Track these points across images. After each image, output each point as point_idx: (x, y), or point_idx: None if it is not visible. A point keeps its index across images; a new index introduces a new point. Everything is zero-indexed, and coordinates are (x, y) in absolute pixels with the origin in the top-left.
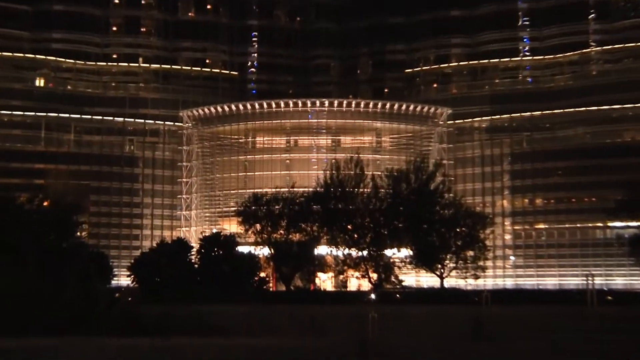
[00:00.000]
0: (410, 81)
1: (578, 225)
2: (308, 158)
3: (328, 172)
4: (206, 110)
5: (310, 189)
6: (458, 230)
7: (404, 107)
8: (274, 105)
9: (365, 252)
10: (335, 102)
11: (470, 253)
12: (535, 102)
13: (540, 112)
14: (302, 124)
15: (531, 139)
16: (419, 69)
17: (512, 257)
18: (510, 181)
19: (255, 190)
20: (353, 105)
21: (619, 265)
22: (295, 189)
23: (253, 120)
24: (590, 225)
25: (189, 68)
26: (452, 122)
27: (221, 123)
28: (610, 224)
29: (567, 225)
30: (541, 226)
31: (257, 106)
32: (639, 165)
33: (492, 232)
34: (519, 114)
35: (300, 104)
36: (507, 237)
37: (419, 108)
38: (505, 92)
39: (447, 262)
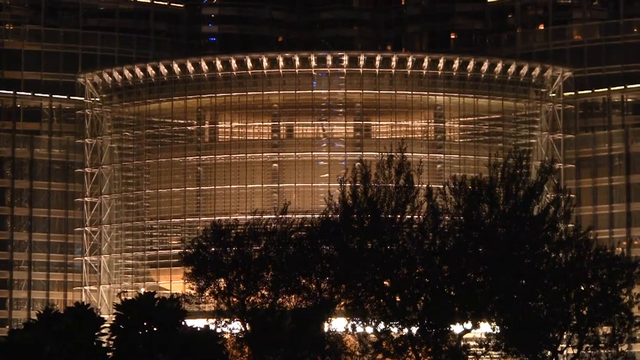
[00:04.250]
0: (495, 20)
1: None
2: (312, 159)
3: (348, 184)
4: (127, 72)
5: (317, 216)
6: (583, 288)
7: (485, 66)
8: (249, 64)
9: (415, 329)
10: (362, 57)
11: (606, 329)
12: None
13: None
14: (302, 99)
15: None
16: None
17: None
18: None
19: (217, 218)
20: (394, 62)
21: None
22: (289, 216)
23: (211, 91)
24: None
25: None
26: (572, 93)
27: (154, 96)
28: None
29: None
30: None
31: (218, 65)
32: None
33: None
34: None
35: (297, 61)
36: None
37: (512, 68)
38: None
39: (564, 345)
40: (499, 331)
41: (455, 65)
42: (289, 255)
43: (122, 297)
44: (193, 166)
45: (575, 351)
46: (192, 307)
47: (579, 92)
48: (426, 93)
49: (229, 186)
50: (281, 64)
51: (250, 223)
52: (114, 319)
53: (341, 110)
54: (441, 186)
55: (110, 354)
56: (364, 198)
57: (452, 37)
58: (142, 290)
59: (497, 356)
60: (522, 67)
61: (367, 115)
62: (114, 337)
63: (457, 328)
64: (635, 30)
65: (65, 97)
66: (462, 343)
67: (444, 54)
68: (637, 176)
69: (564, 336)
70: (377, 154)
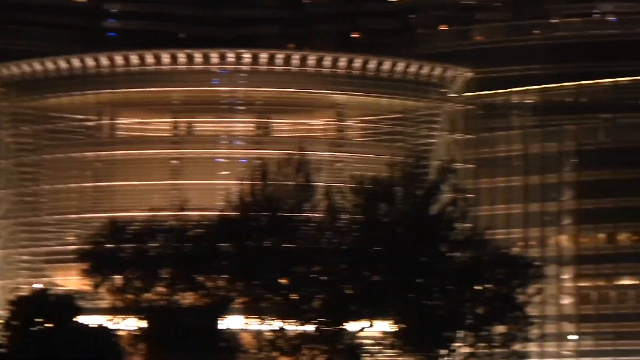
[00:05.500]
0: (399, 20)
1: None
2: (212, 157)
3: (248, 182)
4: (25, 67)
5: (216, 213)
6: (480, 288)
7: (386, 65)
8: (149, 60)
9: (312, 327)
10: (264, 56)
11: (501, 329)
12: (626, 58)
13: (629, 79)
14: (203, 95)
15: (615, 125)
16: None
17: (573, 337)
18: (574, 201)
19: (115, 215)
20: (296, 60)
21: None
22: (188, 213)
23: (111, 86)
24: None
25: None
26: (473, 94)
27: (52, 91)
28: None
29: None
30: (627, 281)
31: (119, 61)
32: None
33: (539, 291)
34: (592, 82)
35: (199, 58)
36: (566, 300)
37: (413, 68)
38: (573, 41)
39: (459, 343)
40: (395, 329)
41: (357, 64)
42: (188, 253)
43: (16, 295)
44: (91, 162)
45: (471, 349)
46: (88, 304)
47: (480, 93)
48: (327, 91)
49: (127, 182)
50: (182, 59)
51: (149, 220)
52: (8, 315)
53: (243, 108)
54: (341, 185)
55: (2, 350)
56: (264, 197)
57: (357, 36)
58: (37, 286)
59: (393, 354)
60: (423, 67)
61: (268, 113)
62: (6, 334)
63: (353, 326)
64: (536, 32)
65: None
66: (357, 341)
67: (346, 53)
68: (535, 177)
69: (460, 335)
70: (278, 152)
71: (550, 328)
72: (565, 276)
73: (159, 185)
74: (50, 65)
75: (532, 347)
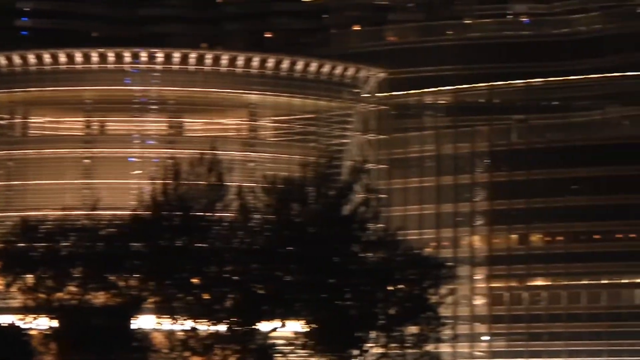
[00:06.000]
0: (312, 20)
1: (605, 281)
2: (125, 156)
3: (160, 181)
4: None
5: (128, 213)
6: (392, 288)
7: (299, 65)
8: (62, 59)
9: (224, 327)
10: (176, 55)
11: (414, 329)
12: (539, 59)
13: (542, 80)
14: (115, 95)
15: (528, 126)
16: None
17: (485, 337)
18: (487, 202)
19: (27, 214)
20: (208, 60)
21: None
22: (100, 212)
23: (23, 85)
24: (627, 281)
25: None
26: (386, 94)
27: None
28: None
29: (586, 282)
30: (539, 282)
31: (31, 59)
32: None
33: (452, 292)
34: (505, 82)
35: (111, 57)
36: (479, 301)
37: (326, 68)
38: (487, 42)
39: (371, 344)
40: (307, 329)
41: (270, 64)
42: (100, 252)
43: None
44: (3, 161)
45: (383, 349)
46: None
47: (393, 94)
48: (240, 91)
49: (39, 181)
50: (94, 58)
51: (60, 219)
52: None
53: (155, 107)
54: (253, 185)
55: None
56: (176, 196)
57: (270, 36)
58: None
59: (305, 354)
60: (336, 67)
61: (180, 113)
62: None
63: (265, 326)
64: (449, 33)
65: None
66: (269, 341)
67: (259, 53)
68: (447, 178)
69: (372, 335)
70: (190, 151)
71: (463, 329)
72: (478, 277)
73: (72, 184)
74: None
75: (445, 348)
